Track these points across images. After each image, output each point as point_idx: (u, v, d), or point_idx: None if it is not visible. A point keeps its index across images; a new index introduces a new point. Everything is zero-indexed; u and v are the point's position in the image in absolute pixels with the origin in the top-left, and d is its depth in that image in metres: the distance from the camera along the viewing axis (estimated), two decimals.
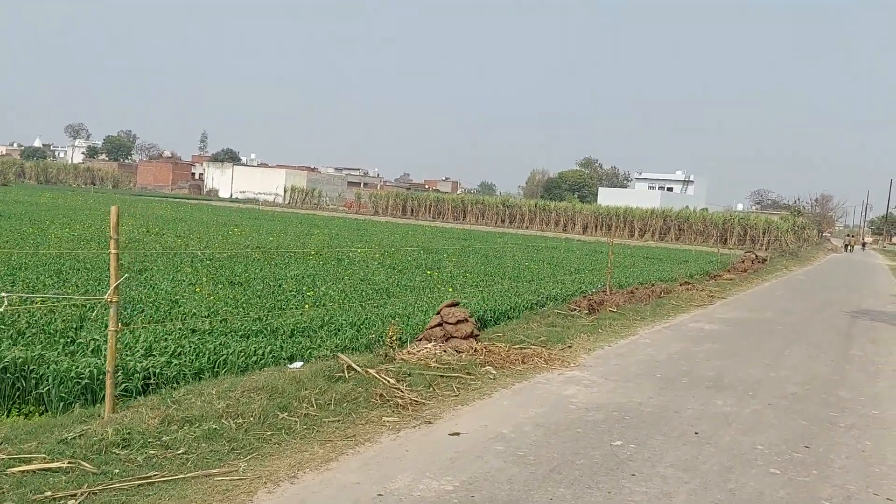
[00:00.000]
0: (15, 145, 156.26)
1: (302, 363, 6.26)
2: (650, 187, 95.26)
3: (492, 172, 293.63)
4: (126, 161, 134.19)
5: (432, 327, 7.44)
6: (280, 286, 11.31)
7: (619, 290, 13.71)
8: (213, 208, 51.43)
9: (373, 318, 9.15)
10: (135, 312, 7.95)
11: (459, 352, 7.12)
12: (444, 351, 7.00)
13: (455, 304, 7.64)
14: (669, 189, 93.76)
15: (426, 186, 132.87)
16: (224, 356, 6.41)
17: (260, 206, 70.52)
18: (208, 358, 6.41)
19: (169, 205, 47.30)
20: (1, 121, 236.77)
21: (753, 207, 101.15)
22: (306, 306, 9.23)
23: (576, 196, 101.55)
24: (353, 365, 5.94)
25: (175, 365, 6.08)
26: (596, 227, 66.72)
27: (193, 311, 8.35)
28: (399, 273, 15.20)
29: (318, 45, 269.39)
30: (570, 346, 8.50)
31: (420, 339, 7.44)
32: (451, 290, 12.22)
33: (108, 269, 5.09)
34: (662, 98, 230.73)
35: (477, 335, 7.68)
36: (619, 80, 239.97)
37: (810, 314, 14.46)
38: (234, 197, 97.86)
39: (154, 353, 6.36)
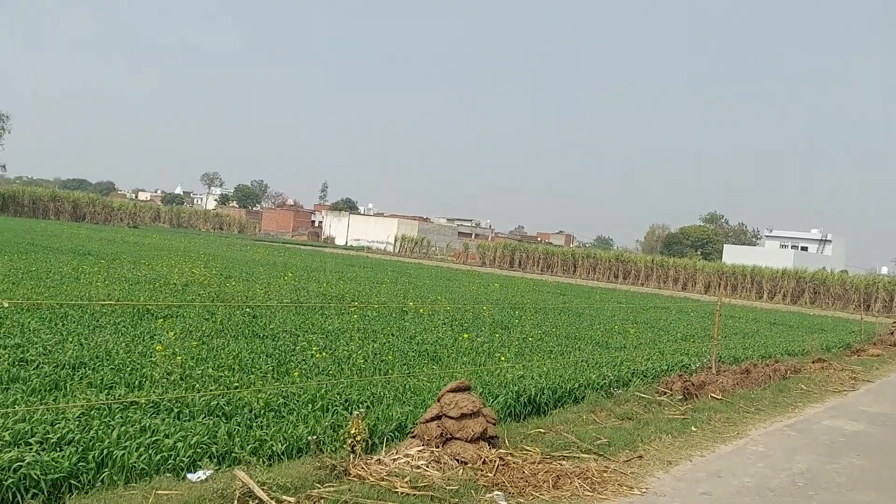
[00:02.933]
0: (159, 192, 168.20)
1: (206, 474, 4.24)
2: (782, 246, 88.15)
3: (609, 226, 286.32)
4: (254, 208, 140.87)
5: (427, 421, 5.24)
6: (297, 342, 9.48)
7: (728, 368, 10.87)
8: (320, 254, 51.49)
9: (386, 393, 7.10)
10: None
11: (462, 462, 4.89)
12: (437, 460, 4.80)
13: (463, 389, 5.39)
14: (804, 248, 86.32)
15: (538, 239, 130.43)
16: (110, 450, 4.50)
17: (366, 254, 70.86)
18: (98, 452, 4.53)
19: (273, 250, 47.60)
20: (150, 169, 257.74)
21: None
22: (296, 374, 7.27)
23: (698, 253, 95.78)
24: (257, 492, 3.86)
25: (31, 464, 4.22)
26: (719, 286, 61.99)
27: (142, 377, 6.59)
28: (460, 331, 13.08)
29: (445, 100, 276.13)
30: (639, 457, 6.00)
31: (413, 436, 5.26)
32: (503, 357, 9.92)
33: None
34: (796, 150, 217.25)
35: (493, 437, 5.38)
36: (750, 129, 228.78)
37: None
38: (348, 244, 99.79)
39: (23, 441, 4.56)
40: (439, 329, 13.11)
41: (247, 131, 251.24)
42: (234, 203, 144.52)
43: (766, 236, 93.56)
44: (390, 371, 8.30)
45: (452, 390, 5.31)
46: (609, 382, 8.71)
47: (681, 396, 8.66)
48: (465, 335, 10.81)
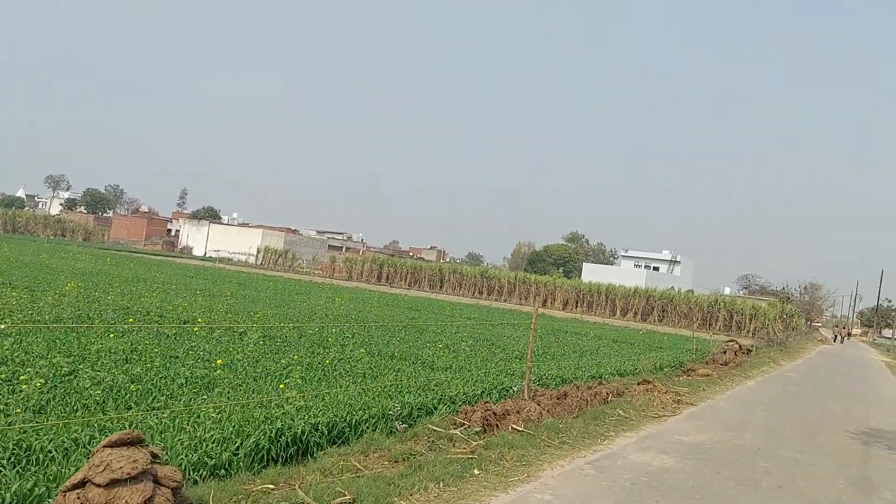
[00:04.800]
0: None
1: None
2: (636, 265, 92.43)
3: (480, 243, 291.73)
4: (104, 214, 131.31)
5: (67, 490, 3.74)
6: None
7: (546, 392, 9.99)
8: (165, 264, 47.85)
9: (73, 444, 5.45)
10: None
11: None
12: None
13: (130, 442, 3.93)
14: (656, 268, 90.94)
15: (410, 254, 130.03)
16: None
17: (223, 265, 67.16)
18: None
19: (109, 259, 43.57)
20: None
21: (741, 292, 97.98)
22: None
23: (560, 271, 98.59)
24: None
25: None
26: (577, 303, 63.85)
27: None
28: (266, 353, 11.55)
29: (317, 107, 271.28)
30: None
31: None
32: (282, 385, 8.47)
33: None
34: (652, 177, 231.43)
35: None
36: (610, 157, 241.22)
37: (806, 436, 10.71)
38: (207, 255, 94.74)
39: None
40: (238, 351, 11.49)
41: (99, 133, 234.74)
42: (83, 208, 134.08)
43: (622, 256, 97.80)
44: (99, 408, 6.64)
45: (112, 444, 3.85)
46: (397, 414, 7.47)
47: (479, 428, 7.59)
48: (219, 361, 9.22)
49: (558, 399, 9.69)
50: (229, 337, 13.33)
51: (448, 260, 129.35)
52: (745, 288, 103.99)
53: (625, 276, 77.89)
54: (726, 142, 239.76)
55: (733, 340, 26.97)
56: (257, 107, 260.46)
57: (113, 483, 3.63)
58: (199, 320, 13.93)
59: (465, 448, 6.76)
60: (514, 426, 7.78)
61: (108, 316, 13.57)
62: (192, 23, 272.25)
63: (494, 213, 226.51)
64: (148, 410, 6.87)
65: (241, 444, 6.03)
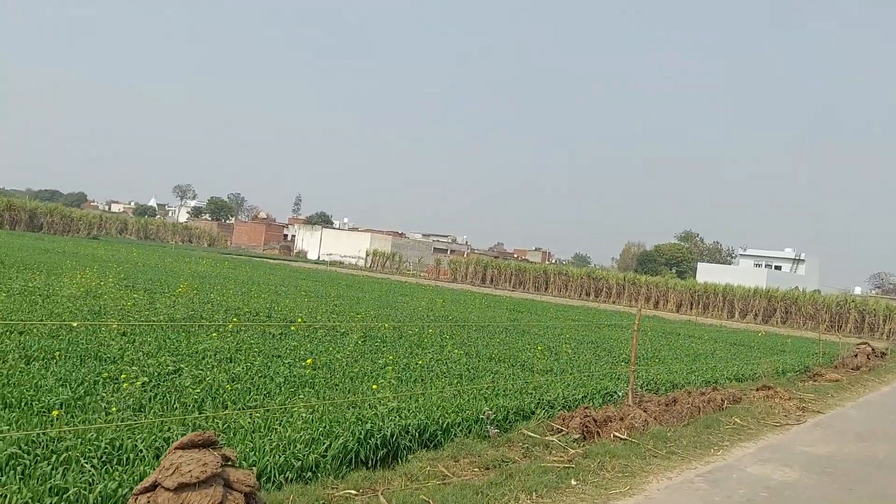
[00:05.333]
0: (132, 203, 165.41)
1: None
2: (756, 265, 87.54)
3: (586, 244, 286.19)
4: (226, 221, 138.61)
5: (138, 494, 3.66)
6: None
7: (652, 398, 9.37)
8: (282, 268, 49.76)
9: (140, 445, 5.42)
10: None
11: None
12: None
13: (203, 444, 3.81)
14: (777, 268, 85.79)
15: (515, 256, 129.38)
16: None
17: (335, 268, 69.21)
18: None
19: (230, 263, 45.76)
20: (126, 180, 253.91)
21: (873, 291, 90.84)
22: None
23: (673, 271, 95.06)
24: None
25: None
26: (691, 305, 61.15)
27: None
28: (364, 353, 11.56)
29: (425, 115, 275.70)
30: None
31: None
32: (376, 386, 8.34)
33: None
34: (772, 171, 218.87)
35: None
36: (727, 150, 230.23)
37: None
38: (320, 258, 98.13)
39: None
40: (336, 351, 11.55)
41: (225, 144, 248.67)
42: (207, 216, 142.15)
43: (741, 255, 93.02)
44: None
45: (184, 446, 3.75)
46: (490, 419, 7.15)
47: (578, 435, 7.15)
48: (309, 360, 9.16)
49: (667, 405, 9.06)
50: (331, 337, 13.48)
51: (554, 261, 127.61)
52: (878, 287, 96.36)
53: (743, 275, 73.86)
54: (853, 131, 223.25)
55: (865, 343, 24.82)
56: (365, 114, 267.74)
57: (181, 487, 3.54)
58: (300, 319, 14.16)
59: (561, 456, 6.37)
60: (617, 434, 7.29)
61: (218, 316, 14.03)
62: (311, 35, 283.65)
63: (601, 212, 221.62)
64: (243, 409, 6.90)
65: (330, 445, 5.91)
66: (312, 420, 6.57)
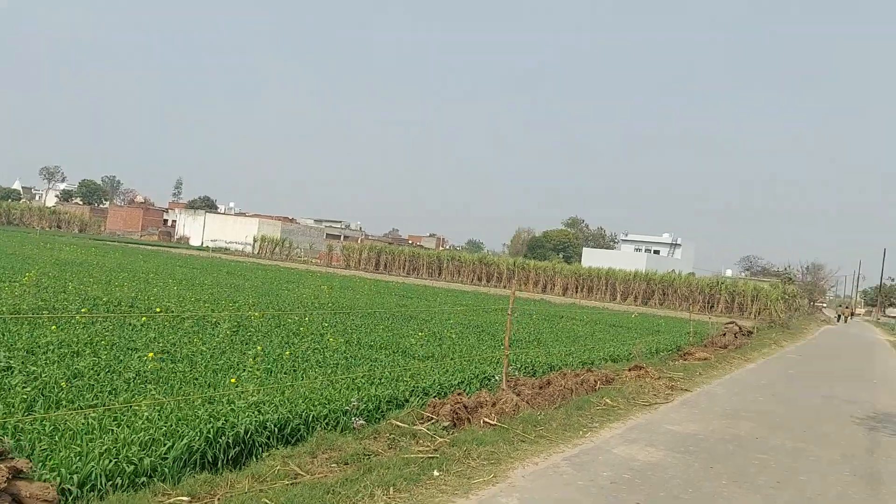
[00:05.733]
0: None
1: None
2: (636, 249, 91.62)
3: (480, 230, 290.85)
4: (100, 206, 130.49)
5: None
6: None
7: (527, 381, 9.32)
8: (159, 255, 47.19)
9: None
10: None
11: None
12: None
13: None
14: (656, 252, 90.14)
15: (409, 242, 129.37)
16: None
17: (219, 255, 66.60)
18: None
19: (100, 249, 42.95)
20: None
21: (743, 274, 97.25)
22: None
23: (560, 256, 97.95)
24: None
25: None
26: (577, 288, 63.28)
27: None
28: (235, 344, 10.92)
29: (317, 94, 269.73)
30: None
31: None
32: (233, 380, 7.80)
33: None
34: (652, 160, 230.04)
35: None
36: (609, 140, 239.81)
37: (807, 424, 10.05)
38: (204, 245, 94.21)
39: None
40: (196, 342, 10.85)
41: (97, 122, 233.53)
42: (78, 200, 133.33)
43: (623, 240, 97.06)
44: None
45: None
46: (355, 409, 6.81)
47: (448, 423, 6.94)
48: (151, 354, 8.46)
49: (541, 388, 9.03)
50: (199, 327, 12.70)
51: (448, 247, 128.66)
52: (748, 270, 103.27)
53: (625, 260, 77.10)
54: (729, 125, 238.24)
55: (733, 322, 26.34)
56: (253, 95, 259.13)
57: None
58: (158, 310, 13.25)
59: (428, 446, 6.11)
60: (487, 420, 7.13)
61: (74, 307, 12.91)
62: (189, 12, 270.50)
63: (495, 199, 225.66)
64: (79, 409, 6.22)
65: (172, 446, 5.38)
66: (158, 419, 6.00)
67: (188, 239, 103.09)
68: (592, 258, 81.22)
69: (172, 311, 14.37)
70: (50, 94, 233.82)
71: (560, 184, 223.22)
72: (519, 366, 11.80)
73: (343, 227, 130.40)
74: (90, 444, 5.14)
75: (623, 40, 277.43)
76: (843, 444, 8.89)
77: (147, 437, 5.41)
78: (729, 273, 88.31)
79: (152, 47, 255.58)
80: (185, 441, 5.45)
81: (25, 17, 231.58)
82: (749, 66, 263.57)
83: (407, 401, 8.26)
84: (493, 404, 7.65)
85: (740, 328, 25.03)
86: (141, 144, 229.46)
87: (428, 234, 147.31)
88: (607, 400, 9.37)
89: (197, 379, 8.26)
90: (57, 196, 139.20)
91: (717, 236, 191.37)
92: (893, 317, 75.21)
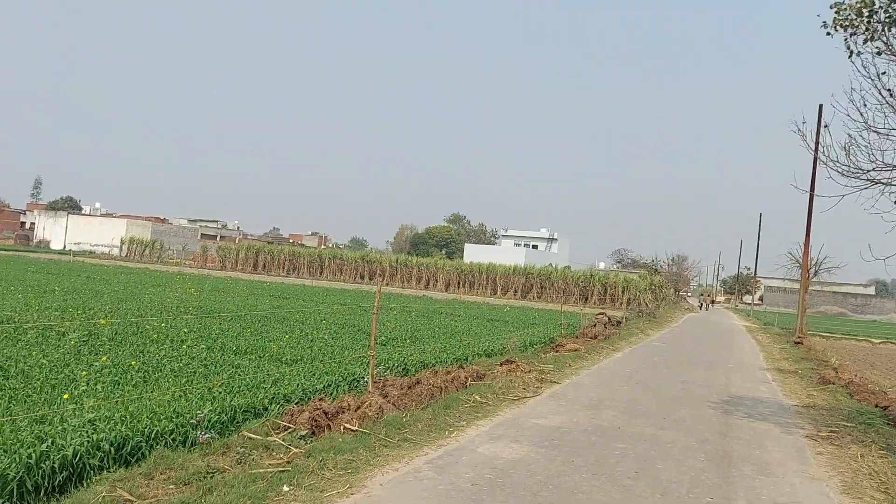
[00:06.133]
0: None
1: None
2: (516, 244, 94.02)
3: (363, 228, 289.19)
4: None
5: None
6: None
7: (395, 382, 9.11)
8: (7, 260, 43.36)
9: None
10: None
11: None
12: None
13: None
14: (535, 247, 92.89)
15: (290, 241, 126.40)
16: None
17: (83, 259, 62.27)
18: None
19: None
20: None
21: (615, 266, 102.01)
22: None
23: (443, 252, 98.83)
24: None
25: None
26: (459, 284, 63.94)
27: None
28: (82, 355, 10.02)
29: (191, 89, 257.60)
30: None
31: None
32: (67, 395, 7.12)
33: None
34: (528, 156, 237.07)
35: None
36: (489, 136, 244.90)
37: (667, 410, 10.46)
38: (67, 248, 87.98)
39: None
40: (36, 354, 9.90)
41: None
42: None
43: (503, 235, 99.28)
44: None
45: None
46: (201, 422, 6.34)
47: (306, 431, 6.59)
48: None
49: (410, 388, 8.84)
50: (45, 338, 11.62)
51: (331, 245, 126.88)
52: (619, 262, 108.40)
53: (505, 255, 79.03)
54: (597, 124, 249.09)
55: (603, 313, 27.37)
56: (119, 86, 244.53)
57: None
58: None
59: (281, 458, 5.75)
60: (347, 425, 6.84)
61: None
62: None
63: (378, 196, 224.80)
64: None
65: None
66: None
67: (48, 242, 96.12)
68: (474, 254, 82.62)
69: (14, 322, 13.11)
70: None
71: (442, 179, 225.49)
72: (391, 365, 11.59)
73: (220, 226, 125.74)
74: None
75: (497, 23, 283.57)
76: (699, 428, 9.29)
77: None
78: (602, 266, 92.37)
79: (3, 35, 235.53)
80: None
81: None
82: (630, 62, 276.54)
83: (266, 409, 7.85)
84: (357, 408, 7.38)
85: (609, 318, 26.05)
86: None
87: (310, 233, 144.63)
88: (476, 397, 9.32)
89: (30, 396, 7.48)
90: None
91: (591, 231, 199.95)
92: (749, 304, 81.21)
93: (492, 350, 15.26)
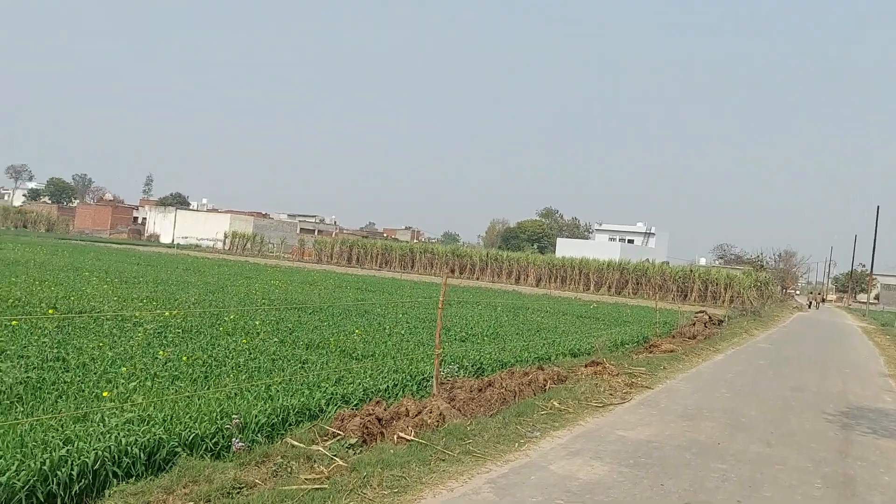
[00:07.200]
0: None
1: None
2: (610, 239, 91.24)
3: (456, 223, 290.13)
4: (69, 205, 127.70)
5: None
6: None
7: (464, 383, 8.33)
8: (121, 253, 45.56)
9: None
10: None
11: None
12: None
13: None
14: (630, 241, 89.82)
15: (384, 235, 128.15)
16: None
17: (190, 252, 64.95)
18: None
19: (58, 249, 41.30)
20: None
21: (716, 262, 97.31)
22: None
23: (535, 247, 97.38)
24: None
25: None
26: (550, 279, 62.54)
27: None
28: (151, 347, 9.81)
29: (290, 92, 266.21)
30: None
31: None
32: (107, 393, 6.73)
33: None
34: (626, 149, 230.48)
35: None
36: (583, 129, 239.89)
37: (775, 422, 9.18)
38: (175, 243, 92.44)
39: None
40: (103, 346, 9.75)
41: (65, 119, 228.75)
42: (47, 199, 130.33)
43: (596, 230, 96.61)
44: None
45: None
46: (238, 427, 5.78)
47: (356, 439, 5.92)
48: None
49: (480, 391, 8.05)
50: (121, 329, 11.56)
51: (424, 240, 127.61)
52: (721, 258, 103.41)
53: (599, 249, 76.64)
54: (702, 113, 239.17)
55: (703, 311, 25.63)
56: (225, 88, 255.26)
57: None
58: (51, 311, 12.04)
59: (320, 472, 5.09)
60: (402, 434, 6.12)
61: None
62: (156, 7, 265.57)
63: (470, 191, 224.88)
64: None
65: None
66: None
67: (158, 236, 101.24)
68: (567, 248, 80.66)
69: (96, 312, 13.21)
70: (19, 92, 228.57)
71: (534, 173, 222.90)
72: (465, 364, 10.83)
73: (317, 221, 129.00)
74: None
75: (600, 30, 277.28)
76: (814, 445, 8.04)
77: None
78: (703, 261, 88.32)
79: (120, 44, 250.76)
80: (3, 477, 4.38)
81: None
82: (729, 62, 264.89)
83: (322, 411, 7.26)
84: (417, 414, 6.65)
85: (710, 317, 24.32)
86: (111, 142, 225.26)
87: (403, 227, 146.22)
88: (555, 402, 8.41)
89: (83, 391, 7.18)
90: (24, 195, 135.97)
91: (691, 225, 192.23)
92: (864, 303, 75.50)
93: (578, 349, 14.23)
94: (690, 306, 42.29)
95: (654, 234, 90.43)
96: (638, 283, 57.35)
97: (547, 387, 9.30)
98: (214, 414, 6.39)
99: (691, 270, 57.26)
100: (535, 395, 8.76)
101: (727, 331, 23.44)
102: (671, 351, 15.36)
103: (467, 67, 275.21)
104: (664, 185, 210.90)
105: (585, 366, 11.06)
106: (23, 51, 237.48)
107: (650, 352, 15.18)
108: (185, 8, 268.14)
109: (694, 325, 22.01)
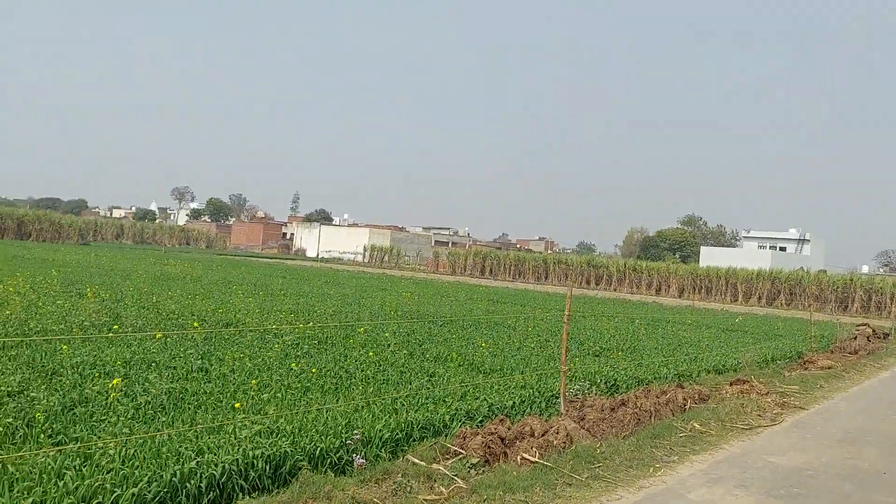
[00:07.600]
0: (133, 209, 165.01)
1: None
2: (760, 246, 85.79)
3: (590, 233, 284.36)
4: (225, 223, 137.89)
5: None
6: None
7: (595, 401, 7.92)
8: (271, 267, 48.42)
9: None
10: None
11: None
12: None
13: None
14: (782, 249, 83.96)
15: (518, 246, 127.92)
16: None
17: (332, 265, 67.98)
18: None
19: (213, 263, 44.48)
20: (127, 185, 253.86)
21: (881, 270, 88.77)
22: None
23: (676, 256, 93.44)
24: None
25: None
26: (694, 289, 59.49)
27: None
28: (285, 358, 10.16)
29: (427, 109, 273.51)
30: None
31: None
32: (238, 404, 6.92)
33: None
34: (774, 150, 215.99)
35: None
36: (729, 131, 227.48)
37: None
38: (319, 256, 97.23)
39: None
40: (243, 357, 10.18)
41: (223, 145, 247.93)
42: (206, 217, 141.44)
43: (744, 237, 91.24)
44: None
45: None
46: (357, 443, 5.74)
47: (478, 459, 5.73)
48: (115, 381, 7.23)
49: (612, 410, 7.61)
50: (263, 340, 12.10)
51: (558, 250, 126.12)
52: (886, 265, 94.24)
53: (747, 258, 72.22)
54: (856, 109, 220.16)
55: (865, 323, 23.32)
56: (365, 109, 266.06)
57: None
58: (195, 324, 12.71)
59: (439, 494, 4.94)
60: (526, 455, 5.85)
61: (135, 322, 12.68)
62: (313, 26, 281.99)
63: (605, 200, 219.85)
64: (39, 449, 5.46)
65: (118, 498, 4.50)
66: (128, 458, 5.16)
67: (305, 251, 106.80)
68: (711, 257, 76.75)
69: (241, 325, 13.94)
70: (180, 118, 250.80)
71: (676, 179, 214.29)
72: (597, 381, 10.36)
73: (451, 233, 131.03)
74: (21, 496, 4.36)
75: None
76: None
77: (94, 486, 4.56)
78: (865, 269, 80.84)
79: (270, 73, 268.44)
80: (132, 491, 4.56)
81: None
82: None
83: (446, 426, 7.14)
84: (543, 434, 6.37)
85: (874, 330, 22.07)
86: (263, 163, 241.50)
87: (537, 238, 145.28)
88: (695, 424, 7.81)
89: (220, 402, 7.50)
90: (188, 215, 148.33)
91: (850, 230, 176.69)
92: None
93: (723, 366, 13.26)
94: (851, 318, 38.75)
95: (808, 240, 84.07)
96: (791, 294, 53.44)
97: (687, 406, 8.68)
98: (340, 427, 6.43)
99: (852, 279, 52.56)
100: (673, 415, 8.19)
101: (894, 345, 21.15)
102: (829, 367, 13.99)
103: (587, 73, 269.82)
104: (820, 189, 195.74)
105: (730, 384, 10.25)
106: (187, 83, 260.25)
107: (805, 368, 13.91)
108: (331, 36, 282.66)
109: (855, 338, 20.03)
